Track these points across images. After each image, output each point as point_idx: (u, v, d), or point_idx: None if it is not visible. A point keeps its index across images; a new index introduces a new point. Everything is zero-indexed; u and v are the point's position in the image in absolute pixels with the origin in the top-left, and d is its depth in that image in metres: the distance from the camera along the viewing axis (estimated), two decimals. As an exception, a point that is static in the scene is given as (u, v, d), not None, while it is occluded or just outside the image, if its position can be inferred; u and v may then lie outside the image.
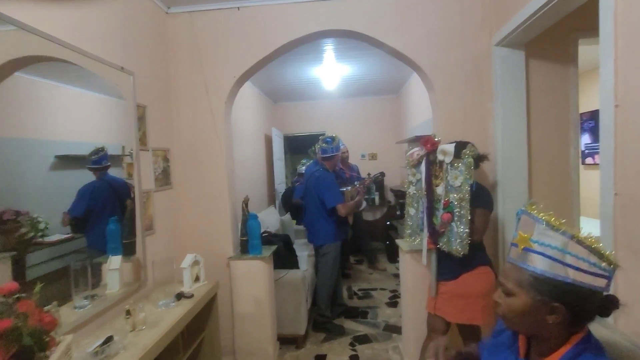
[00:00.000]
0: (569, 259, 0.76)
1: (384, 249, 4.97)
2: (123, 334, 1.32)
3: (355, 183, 3.19)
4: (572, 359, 0.75)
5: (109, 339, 1.23)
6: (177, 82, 2.34)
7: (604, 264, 0.75)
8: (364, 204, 4.21)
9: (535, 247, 0.79)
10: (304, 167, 4.74)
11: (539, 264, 0.78)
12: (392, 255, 4.64)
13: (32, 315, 0.94)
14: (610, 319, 1.21)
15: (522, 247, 0.81)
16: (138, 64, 1.95)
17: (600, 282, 0.75)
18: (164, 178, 2.19)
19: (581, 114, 4.25)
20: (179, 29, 2.33)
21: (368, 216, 5.28)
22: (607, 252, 0.76)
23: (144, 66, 2.02)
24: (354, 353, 2.54)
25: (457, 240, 1.65)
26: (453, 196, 1.66)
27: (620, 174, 1.17)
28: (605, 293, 0.78)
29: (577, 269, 0.75)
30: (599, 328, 1.08)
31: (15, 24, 1.23)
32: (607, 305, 0.77)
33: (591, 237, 0.78)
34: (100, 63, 1.65)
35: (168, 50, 2.33)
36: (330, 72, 4.11)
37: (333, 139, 2.90)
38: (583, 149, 4.58)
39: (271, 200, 5.16)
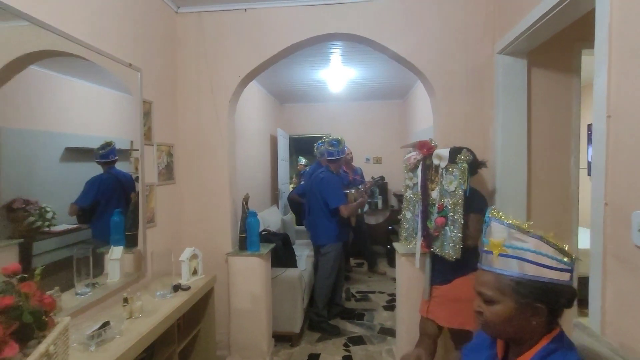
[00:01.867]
0: (542, 259, 0.79)
1: (384, 253, 4.97)
2: (120, 320, 1.37)
3: (359, 186, 3.22)
4: (546, 357, 0.78)
5: (106, 324, 1.28)
6: (183, 80, 2.41)
7: (566, 259, 0.80)
8: (366, 206, 4.25)
9: (510, 251, 0.82)
10: (307, 168, 4.78)
11: (516, 268, 0.80)
12: (393, 259, 4.64)
13: (33, 295, 0.99)
14: (596, 327, 1.22)
15: (497, 253, 0.83)
16: (146, 61, 2.02)
17: (565, 277, 0.80)
18: (167, 173, 2.25)
19: (588, 125, 4.22)
20: (187, 28, 2.39)
21: (370, 220, 5.29)
22: (567, 248, 0.81)
23: (151, 63, 2.08)
24: (347, 354, 2.56)
25: (450, 244, 1.67)
26: (447, 201, 1.68)
27: (611, 184, 1.18)
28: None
29: (549, 267, 0.79)
30: (584, 337, 1.10)
31: (31, 20, 1.29)
32: (572, 297, 0.81)
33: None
34: (109, 59, 1.71)
35: (176, 48, 2.39)
36: (337, 75, 4.15)
37: (339, 142, 2.95)
38: (589, 160, 4.54)
39: (274, 200, 5.21)
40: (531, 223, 0.84)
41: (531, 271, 0.79)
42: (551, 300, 0.79)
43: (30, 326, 0.94)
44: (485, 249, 0.86)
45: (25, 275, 0.99)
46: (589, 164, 4.52)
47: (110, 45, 1.72)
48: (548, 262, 0.79)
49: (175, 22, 2.39)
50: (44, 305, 1.00)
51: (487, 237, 0.87)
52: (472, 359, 0.98)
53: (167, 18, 2.29)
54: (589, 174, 4.74)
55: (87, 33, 1.57)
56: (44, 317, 0.99)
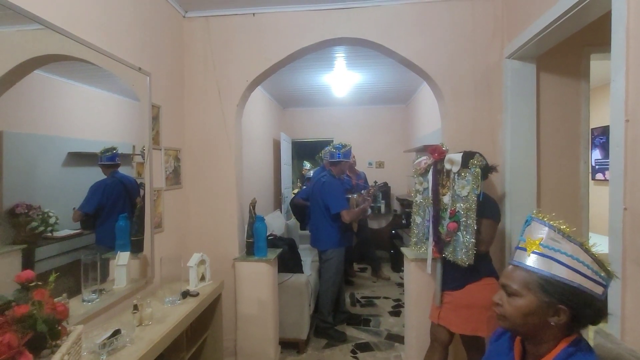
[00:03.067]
0: (577, 265, 0.80)
1: (388, 257, 4.94)
2: (130, 328, 1.34)
3: (362, 192, 3.20)
4: (565, 359, 0.78)
5: (117, 332, 1.25)
6: (191, 84, 2.40)
7: (603, 273, 0.80)
8: (369, 211, 4.22)
9: (545, 251, 0.82)
10: (311, 172, 4.76)
11: (548, 268, 0.81)
12: (397, 264, 4.62)
13: (47, 303, 0.97)
14: (616, 334, 1.20)
15: (530, 250, 0.84)
16: (155, 65, 2.01)
17: (598, 290, 0.80)
18: (175, 177, 2.24)
19: (592, 129, 4.23)
20: (195, 32, 2.39)
21: (373, 224, 5.27)
22: (607, 262, 0.81)
23: (160, 67, 2.07)
24: (355, 360, 2.53)
25: (463, 249, 1.65)
26: (460, 205, 1.67)
27: (630, 188, 1.17)
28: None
29: (582, 274, 0.79)
30: (605, 343, 1.08)
31: (43, 23, 1.27)
32: (600, 313, 0.81)
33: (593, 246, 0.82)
34: (119, 63, 1.70)
35: (184, 52, 2.39)
36: (341, 79, 4.16)
37: (344, 146, 2.92)
38: (593, 164, 4.54)
39: (277, 204, 5.19)
40: (574, 229, 0.83)
41: (563, 273, 0.80)
42: (576, 306, 0.79)
43: (44, 335, 0.92)
44: (520, 245, 0.88)
45: (39, 283, 0.97)
46: (593, 167, 4.55)
47: (121, 49, 1.71)
48: (583, 269, 0.79)
49: (183, 26, 2.39)
50: (57, 313, 0.98)
51: (525, 235, 0.88)
52: None
53: (175, 22, 2.29)
54: (592, 178, 4.74)
55: (97, 36, 1.56)
56: (57, 325, 0.97)
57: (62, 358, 0.88)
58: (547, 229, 0.84)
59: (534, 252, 0.83)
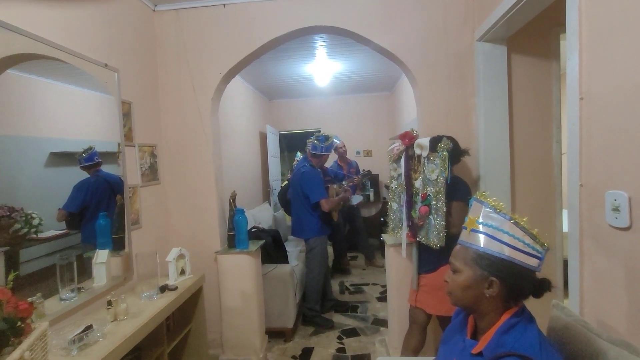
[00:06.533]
0: (505, 238, 0.83)
1: (378, 245, 4.99)
2: (103, 324, 1.36)
3: (343, 183, 3.22)
4: (507, 330, 0.81)
5: (88, 328, 1.27)
6: (164, 79, 2.37)
7: (537, 246, 0.82)
8: (359, 198, 4.24)
9: (481, 227, 0.86)
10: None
11: (481, 242, 0.85)
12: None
13: (8, 302, 0.98)
14: (574, 307, 1.24)
15: (470, 228, 0.88)
16: (124, 61, 1.98)
17: (532, 262, 0.83)
18: (151, 174, 2.23)
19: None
20: (165, 26, 2.36)
21: (364, 212, 5.31)
22: (540, 235, 0.83)
23: (129, 63, 2.05)
24: (341, 346, 2.57)
25: (434, 232, 1.68)
26: (430, 189, 1.69)
27: (585, 165, 1.20)
28: (537, 274, 0.85)
29: (513, 247, 0.82)
30: (560, 315, 1.12)
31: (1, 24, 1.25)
32: (540, 286, 0.83)
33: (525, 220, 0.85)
34: (83, 60, 1.67)
35: (155, 47, 2.36)
36: (322, 68, 4.13)
37: (327, 138, 2.92)
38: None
39: (266, 197, 5.20)
40: (502, 204, 0.88)
41: (494, 247, 0.83)
42: (508, 278, 0.82)
43: (5, 333, 0.93)
44: (464, 225, 0.92)
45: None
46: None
47: (86, 46, 1.69)
48: (513, 242, 0.82)
49: (154, 20, 2.35)
50: (19, 311, 0.98)
51: (467, 215, 0.92)
52: (448, 340, 1.01)
53: (144, 17, 2.25)
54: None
55: (60, 35, 1.54)
56: (19, 323, 0.98)
57: (22, 354, 0.89)
58: (483, 207, 0.86)
59: (472, 230, 0.87)
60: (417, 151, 1.74)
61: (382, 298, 3.39)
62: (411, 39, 2.22)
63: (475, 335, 0.91)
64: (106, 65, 1.82)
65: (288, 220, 4.43)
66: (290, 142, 6.68)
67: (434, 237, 1.68)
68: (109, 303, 1.46)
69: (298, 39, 2.50)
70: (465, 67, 2.20)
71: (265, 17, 2.29)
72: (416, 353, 1.88)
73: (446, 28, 2.19)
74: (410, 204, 1.82)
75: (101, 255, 1.74)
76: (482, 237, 0.85)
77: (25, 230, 1.37)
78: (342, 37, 2.50)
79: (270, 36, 2.30)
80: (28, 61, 1.42)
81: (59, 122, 1.56)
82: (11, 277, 1.01)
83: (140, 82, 2.17)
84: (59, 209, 1.56)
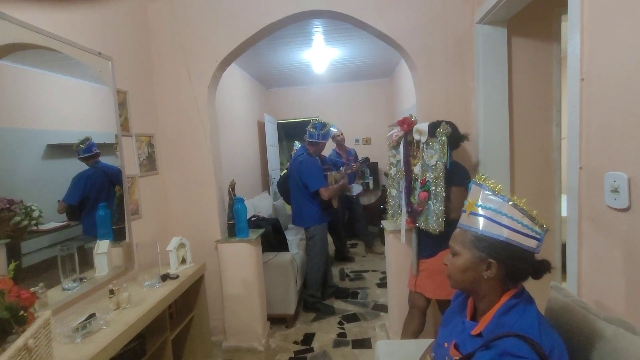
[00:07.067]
0: (504, 220, 0.82)
1: (378, 232, 5.02)
2: (106, 312, 1.37)
3: (341, 168, 3.21)
4: (506, 311, 0.82)
5: (91, 316, 1.28)
6: (160, 68, 2.34)
7: (536, 227, 0.82)
8: (359, 188, 4.24)
9: (479, 210, 0.86)
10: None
11: (480, 225, 0.84)
12: (386, 238, 4.69)
13: (10, 291, 0.98)
14: (572, 289, 1.25)
15: (469, 211, 0.88)
16: (118, 49, 1.95)
17: (531, 243, 0.82)
18: (149, 163, 2.22)
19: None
20: (159, 14, 2.31)
21: (363, 200, 5.32)
22: (539, 217, 0.82)
23: (123, 51, 2.02)
24: (341, 331, 2.61)
25: (434, 218, 1.68)
26: (429, 175, 1.68)
27: (585, 147, 1.19)
28: (537, 255, 0.85)
29: (511, 229, 0.82)
30: (558, 296, 1.13)
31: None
32: (539, 267, 0.82)
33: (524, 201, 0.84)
34: (76, 48, 1.65)
35: (149, 35, 2.31)
36: (320, 55, 4.07)
37: (323, 125, 2.90)
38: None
39: (265, 186, 5.20)
40: (500, 186, 0.87)
41: (494, 230, 0.83)
42: (506, 259, 0.83)
43: (8, 322, 0.94)
44: (463, 208, 0.92)
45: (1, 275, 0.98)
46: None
47: (77, 34, 1.66)
48: (511, 224, 0.82)
49: (147, 7, 2.30)
50: (21, 300, 0.99)
51: (467, 199, 0.91)
52: (448, 322, 1.02)
53: (137, 5, 2.20)
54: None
55: (52, 24, 1.51)
56: (22, 312, 0.99)
57: (26, 342, 0.90)
58: (481, 190, 0.86)
59: (471, 213, 0.86)
60: (416, 137, 1.73)
61: (382, 284, 3.43)
62: (410, 22, 2.18)
63: (474, 317, 0.92)
64: (100, 53, 1.79)
65: (288, 209, 4.45)
66: (289, 131, 6.64)
67: (433, 223, 1.68)
68: (112, 292, 1.47)
69: (294, 24, 2.45)
70: (465, 50, 2.17)
71: (260, 2, 2.24)
72: (416, 336, 1.91)
73: (445, 10, 2.15)
74: (410, 190, 1.82)
75: (102, 246, 1.75)
76: (481, 220, 0.84)
77: (26, 222, 1.37)
78: (340, 22, 2.46)
79: (267, 21, 2.26)
80: (21, 51, 1.40)
81: (55, 114, 1.55)
82: (12, 266, 1.02)
83: (135, 71, 2.14)
84: (59, 201, 1.56)
